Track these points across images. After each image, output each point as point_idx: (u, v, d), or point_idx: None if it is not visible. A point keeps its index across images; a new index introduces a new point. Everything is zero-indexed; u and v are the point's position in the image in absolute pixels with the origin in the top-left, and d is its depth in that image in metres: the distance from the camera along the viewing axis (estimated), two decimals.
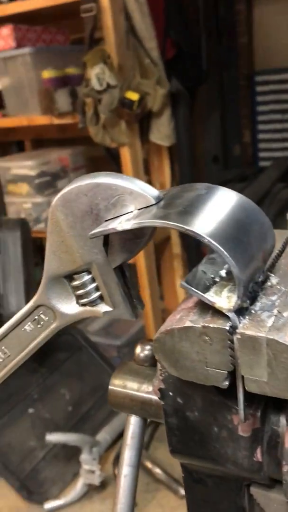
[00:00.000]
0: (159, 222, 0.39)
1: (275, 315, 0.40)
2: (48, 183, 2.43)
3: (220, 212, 0.41)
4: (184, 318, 0.42)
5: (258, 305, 0.41)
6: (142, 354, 0.58)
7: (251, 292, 0.42)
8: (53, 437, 2.01)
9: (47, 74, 2.18)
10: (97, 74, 1.94)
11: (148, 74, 2.07)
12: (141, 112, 2.07)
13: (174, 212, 0.40)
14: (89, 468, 2.00)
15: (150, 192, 0.43)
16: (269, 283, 0.44)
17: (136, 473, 0.58)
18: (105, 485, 2.06)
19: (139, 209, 0.42)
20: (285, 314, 0.40)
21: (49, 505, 1.99)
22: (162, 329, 0.42)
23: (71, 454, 2.12)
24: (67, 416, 2.29)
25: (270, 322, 0.39)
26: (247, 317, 0.40)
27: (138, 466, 0.58)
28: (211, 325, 0.39)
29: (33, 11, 2.16)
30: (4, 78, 2.33)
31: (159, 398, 0.51)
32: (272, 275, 0.45)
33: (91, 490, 2.05)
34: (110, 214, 0.43)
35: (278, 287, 0.44)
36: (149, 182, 2.40)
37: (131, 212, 0.42)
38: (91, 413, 2.31)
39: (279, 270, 0.46)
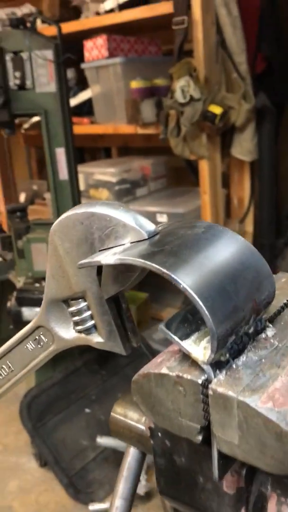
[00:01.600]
0: (139, 261, 0.37)
1: (256, 374, 0.37)
2: (128, 190, 2.47)
3: (210, 256, 0.39)
4: (164, 362, 0.40)
5: (242, 359, 0.38)
6: None
7: (238, 344, 0.39)
8: (103, 441, 2.03)
9: (135, 84, 2.22)
10: (181, 87, 1.94)
11: (234, 88, 2.03)
12: (223, 126, 2.03)
13: (162, 251, 0.38)
14: None
15: (144, 226, 0.42)
16: (263, 335, 0.41)
17: (129, 506, 0.56)
18: (150, 496, 2.04)
19: (131, 243, 0.41)
20: (267, 373, 0.37)
21: (93, 506, 2.01)
22: (141, 372, 0.40)
23: (120, 459, 2.12)
24: None
25: (247, 380, 0.36)
26: (225, 371, 0.37)
27: (132, 499, 0.57)
28: (185, 376, 0.37)
29: (128, 22, 2.21)
30: (95, 86, 2.40)
31: (149, 436, 0.49)
32: (271, 326, 0.42)
33: (136, 499, 2.04)
34: (105, 244, 0.43)
35: (272, 340, 0.40)
36: (228, 196, 2.35)
37: (123, 245, 0.41)
38: None
39: (281, 321, 0.43)
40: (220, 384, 0.36)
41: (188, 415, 0.38)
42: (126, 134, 2.53)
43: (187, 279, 0.36)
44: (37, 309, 2.05)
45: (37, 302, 2.01)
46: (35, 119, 2.60)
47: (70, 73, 2.59)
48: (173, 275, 0.35)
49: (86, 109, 2.56)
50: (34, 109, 1.91)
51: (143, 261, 0.37)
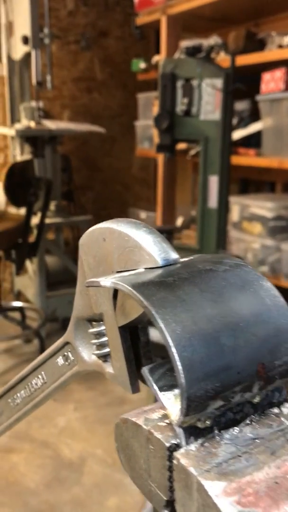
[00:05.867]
0: (126, 288, 0.32)
1: (240, 455, 0.29)
2: (283, 228, 2.34)
3: (216, 298, 0.32)
4: (148, 412, 0.34)
5: (232, 432, 0.31)
6: None
7: (235, 413, 0.31)
8: None
9: None
10: None
11: None
12: None
13: (160, 283, 0.33)
14: None
15: (163, 253, 0.36)
16: (277, 410, 0.32)
17: None
18: None
19: (145, 269, 0.36)
20: (254, 457, 0.29)
21: None
22: (123, 416, 0.35)
23: None
24: None
25: (222, 459, 0.28)
26: (201, 441, 0.30)
27: None
28: (155, 434, 0.31)
29: None
30: (267, 118, 2.34)
31: None
32: None
33: None
34: (123, 266, 0.38)
35: (283, 419, 0.32)
36: None
37: (136, 270, 0.37)
38: None
39: None
40: (186, 455, 0.29)
41: (156, 481, 0.32)
42: None
43: (169, 319, 0.30)
44: None
45: None
46: None
47: (245, 105, 2.57)
48: (153, 310, 0.30)
49: (254, 141, 2.50)
50: (196, 135, 1.93)
51: (130, 289, 0.32)
